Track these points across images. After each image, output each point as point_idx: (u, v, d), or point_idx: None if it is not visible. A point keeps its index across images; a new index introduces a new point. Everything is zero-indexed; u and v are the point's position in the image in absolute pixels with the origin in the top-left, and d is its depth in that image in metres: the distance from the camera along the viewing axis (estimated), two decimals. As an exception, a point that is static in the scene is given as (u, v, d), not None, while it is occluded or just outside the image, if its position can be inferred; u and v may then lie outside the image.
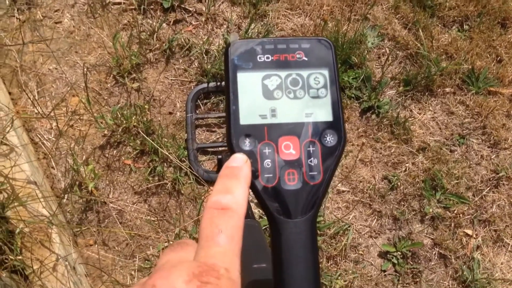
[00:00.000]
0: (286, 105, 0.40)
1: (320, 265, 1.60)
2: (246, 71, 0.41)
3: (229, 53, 0.42)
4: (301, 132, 0.40)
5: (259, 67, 0.41)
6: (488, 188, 1.74)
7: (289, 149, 0.39)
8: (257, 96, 0.41)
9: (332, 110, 0.41)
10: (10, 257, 1.24)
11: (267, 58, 0.42)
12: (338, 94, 0.41)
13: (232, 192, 0.35)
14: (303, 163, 0.39)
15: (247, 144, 0.39)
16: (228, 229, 0.32)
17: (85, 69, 1.71)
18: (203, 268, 0.30)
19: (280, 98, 0.41)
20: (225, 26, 1.87)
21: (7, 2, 1.83)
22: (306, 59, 0.42)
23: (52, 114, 1.59)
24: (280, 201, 0.38)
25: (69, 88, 1.73)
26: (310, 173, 0.39)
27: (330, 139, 0.40)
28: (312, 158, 0.39)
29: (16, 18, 1.83)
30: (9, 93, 1.69)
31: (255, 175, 0.38)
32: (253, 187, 0.38)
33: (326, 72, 0.42)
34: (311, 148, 0.39)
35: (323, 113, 0.41)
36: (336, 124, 0.40)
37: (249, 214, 1.06)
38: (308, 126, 0.40)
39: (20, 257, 1.25)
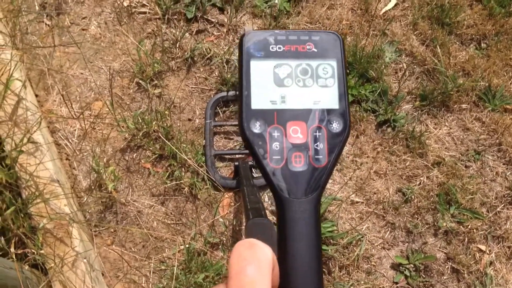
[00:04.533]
0: (296, 93, 0.43)
1: (333, 274, 1.61)
2: (259, 60, 0.44)
3: (243, 42, 0.44)
4: (309, 118, 0.42)
5: (271, 56, 0.44)
6: (503, 205, 1.75)
7: (297, 133, 0.41)
8: (269, 83, 0.43)
9: (339, 99, 0.43)
10: (32, 251, 1.28)
11: (279, 48, 0.44)
12: (345, 84, 0.44)
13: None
14: (310, 147, 0.41)
15: (257, 127, 0.41)
16: (255, 260, 0.33)
17: (111, 74, 1.76)
18: None
19: (290, 86, 0.43)
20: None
21: (36, 7, 1.90)
22: (315, 50, 0.44)
23: (79, 115, 1.64)
24: (287, 182, 0.40)
25: (93, 93, 1.78)
26: (316, 157, 0.41)
27: (336, 125, 0.42)
28: (318, 143, 0.41)
29: (45, 24, 1.89)
30: (36, 95, 1.75)
31: (264, 156, 0.41)
32: (261, 167, 0.41)
33: (334, 63, 0.44)
34: (317, 133, 0.42)
35: (330, 101, 0.43)
36: (342, 112, 0.42)
37: (262, 214, 1.09)
38: (315, 113, 0.42)
39: (42, 251, 1.29)
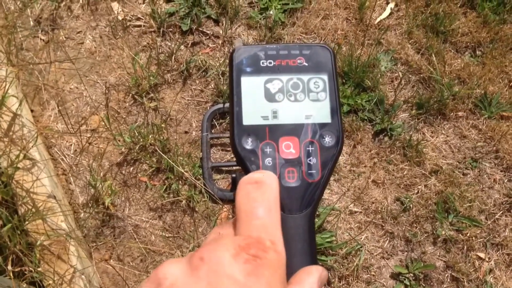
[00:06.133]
0: (287, 107, 0.43)
1: (332, 285, 1.60)
2: (250, 75, 0.44)
3: (233, 58, 0.44)
4: (301, 132, 0.42)
5: (262, 72, 0.44)
6: (501, 212, 1.75)
7: (289, 148, 0.41)
8: (260, 99, 0.43)
9: (331, 113, 0.43)
10: (30, 268, 1.27)
11: (270, 63, 0.44)
12: (336, 97, 0.44)
13: (263, 171, 0.37)
14: (303, 162, 0.41)
15: (249, 143, 0.41)
16: (265, 201, 0.33)
17: (106, 88, 1.76)
18: (249, 241, 0.29)
19: (282, 101, 0.43)
20: (241, 48, 1.92)
21: (31, 23, 1.90)
22: (306, 64, 0.44)
23: (76, 131, 1.63)
24: (280, 197, 0.39)
25: (89, 107, 1.78)
26: (309, 172, 0.41)
27: (329, 139, 0.42)
28: (311, 158, 0.41)
29: (40, 39, 1.89)
30: (31, 111, 1.74)
31: None
32: None
33: (325, 77, 0.44)
34: (310, 148, 0.41)
35: (322, 115, 0.43)
36: (335, 126, 0.42)
37: None
38: (307, 127, 0.42)
39: (40, 269, 1.29)
